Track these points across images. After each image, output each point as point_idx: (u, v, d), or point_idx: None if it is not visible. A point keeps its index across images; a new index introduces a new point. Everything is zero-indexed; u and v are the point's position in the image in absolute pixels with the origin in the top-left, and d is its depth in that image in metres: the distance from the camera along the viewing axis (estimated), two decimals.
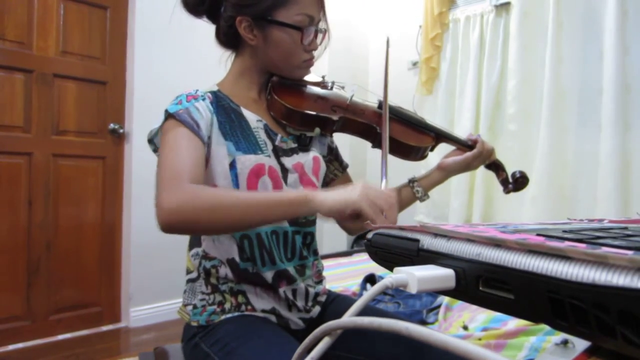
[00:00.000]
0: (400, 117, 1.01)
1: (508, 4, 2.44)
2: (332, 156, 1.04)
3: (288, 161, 0.88)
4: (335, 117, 0.91)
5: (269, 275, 0.84)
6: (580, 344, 0.36)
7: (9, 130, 2.13)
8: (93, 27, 2.37)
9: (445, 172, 1.01)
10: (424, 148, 0.99)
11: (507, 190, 1.08)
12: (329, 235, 2.91)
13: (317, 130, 0.92)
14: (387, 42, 1.00)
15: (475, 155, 1.00)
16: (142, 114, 2.43)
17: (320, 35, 0.89)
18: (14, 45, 2.13)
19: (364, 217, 0.67)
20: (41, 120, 2.22)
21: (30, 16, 2.17)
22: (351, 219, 0.69)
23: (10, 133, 2.13)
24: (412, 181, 1.00)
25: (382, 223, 0.66)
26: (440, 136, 1.03)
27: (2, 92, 2.11)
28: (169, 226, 0.68)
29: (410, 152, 0.98)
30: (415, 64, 3.00)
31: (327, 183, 1.02)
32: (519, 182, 1.07)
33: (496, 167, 1.09)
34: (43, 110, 2.22)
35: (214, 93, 0.87)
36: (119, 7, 2.44)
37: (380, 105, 0.99)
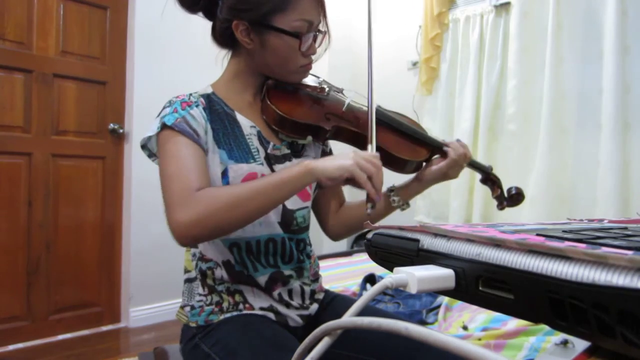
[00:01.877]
0: (396, 128, 0.97)
1: (508, 4, 2.44)
2: None
3: (280, 168, 0.87)
4: (327, 127, 0.88)
5: (262, 279, 0.85)
6: (580, 344, 0.36)
7: (8, 130, 2.13)
8: (93, 27, 2.37)
9: (421, 182, 0.97)
10: (418, 162, 0.96)
11: (501, 207, 1.05)
12: None
13: (309, 138, 0.90)
14: None
15: (450, 164, 0.95)
16: (142, 114, 2.43)
17: (319, 38, 0.87)
18: (14, 45, 2.13)
19: (356, 182, 0.75)
20: (41, 120, 2.22)
21: (30, 16, 2.17)
22: (346, 183, 0.77)
23: (10, 133, 2.13)
24: (390, 190, 0.97)
25: (369, 188, 0.76)
26: (435, 148, 0.98)
27: (2, 92, 2.11)
28: (192, 239, 0.70)
29: (404, 165, 0.94)
30: (415, 64, 3.00)
31: (317, 187, 1.00)
32: (514, 199, 1.04)
33: (492, 182, 1.05)
34: (43, 110, 2.22)
35: (207, 97, 0.86)
36: (119, 7, 2.44)
37: (377, 114, 0.92)
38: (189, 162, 0.75)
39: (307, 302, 0.90)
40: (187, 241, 0.71)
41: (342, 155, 0.76)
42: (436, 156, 0.98)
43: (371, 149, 0.82)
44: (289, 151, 0.91)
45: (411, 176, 0.99)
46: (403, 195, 0.96)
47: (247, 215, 0.72)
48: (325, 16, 0.87)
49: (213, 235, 0.75)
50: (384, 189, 0.99)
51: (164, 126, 0.79)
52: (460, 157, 0.95)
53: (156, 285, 2.49)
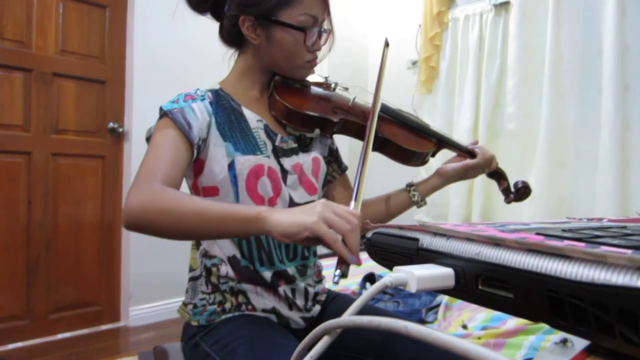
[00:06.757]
0: (402, 121, 0.99)
1: (507, 3, 2.44)
2: (332, 157, 1.03)
3: (287, 162, 0.88)
4: (335, 119, 0.90)
5: (267, 274, 0.84)
6: (580, 343, 0.36)
7: (8, 129, 2.13)
8: (92, 26, 2.36)
9: (443, 178, 0.99)
10: (425, 154, 0.97)
11: (508, 200, 1.06)
12: None
13: (317, 131, 0.91)
14: (386, 42, 0.97)
15: (474, 165, 0.99)
16: (141, 113, 2.42)
17: (324, 36, 0.89)
18: (13, 45, 2.13)
19: (323, 241, 0.59)
20: (40, 119, 2.21)
21: (29, 15, 2.16)
22: (310, 243, 0.61)
23: (9, 132, 2.13)
24: (409, 186, 0.99)
25: (339, 248, 0.58)
26: (442, 142, 1.01)
27: (1, 91, 2.10)
28: (131, 225, 0.67)
29: (411, 157, 0.96)
30: (414, 63, 3.00)
31: (326, 184, 1.02)
32: (520, 192, 1.05)
33: (498, 175, 1.06)
34: (42, 109, 2.22)
35: (214, 92, 0.87)
36: (118, 6, 2.43)
37: (382, 109, 0.97)
38: (166, 154, 0.75)
39: (310, 303, 0.90)
40: (128, 226, 0.67)
41: (309, 207, 0.62)
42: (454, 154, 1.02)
43: (354, 205, 0.68)
44: (296, 145, 0.91)
45: (430, 173, 1.01)
46: (422, 191, 0.98)
47: (181, 229, 0.66)
48: (329, 14, 0.88)
49: (151, 231, 0.69)
50: (397, 186, 1.00)
51: (162, 114, 0.80)
52: (486, 161, 1.00)
53: (156, 284, 2.49)
